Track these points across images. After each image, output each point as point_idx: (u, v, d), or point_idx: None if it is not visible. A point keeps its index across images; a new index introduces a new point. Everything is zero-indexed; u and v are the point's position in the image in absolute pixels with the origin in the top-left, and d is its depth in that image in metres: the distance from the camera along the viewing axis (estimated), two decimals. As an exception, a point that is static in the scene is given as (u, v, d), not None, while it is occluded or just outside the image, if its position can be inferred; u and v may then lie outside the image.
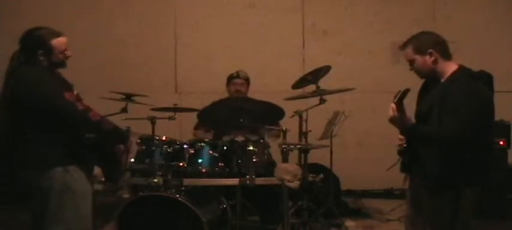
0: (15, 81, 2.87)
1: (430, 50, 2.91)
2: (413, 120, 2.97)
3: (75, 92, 3.00)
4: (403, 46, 3.01)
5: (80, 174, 2.92)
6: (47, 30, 2.97)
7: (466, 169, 2.82)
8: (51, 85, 2.86)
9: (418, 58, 2.93)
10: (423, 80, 3.11)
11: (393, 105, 2.84)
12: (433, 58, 2.91)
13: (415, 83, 3.08)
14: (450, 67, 2.92)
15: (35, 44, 2.92)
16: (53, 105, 2.83)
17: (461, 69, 2.92)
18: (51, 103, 2.83)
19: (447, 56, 2.94)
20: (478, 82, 2.84)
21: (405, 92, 2.81)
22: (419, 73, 2.99)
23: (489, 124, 2.92)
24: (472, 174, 2.84)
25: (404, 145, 3.02)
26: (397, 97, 2.83)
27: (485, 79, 2.90)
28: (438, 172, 2.85)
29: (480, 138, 2.84)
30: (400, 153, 3.06)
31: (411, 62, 2.97)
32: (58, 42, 2.96)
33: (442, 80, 2.92)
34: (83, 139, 2.99)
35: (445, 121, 2.78)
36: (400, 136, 3.07)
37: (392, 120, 2.89)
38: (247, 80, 5.02)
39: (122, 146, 3.12)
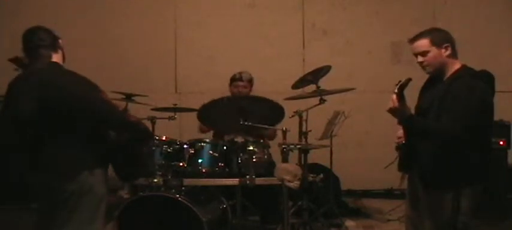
0: (47, 83, 2.77)
1: (447, 44, 2.92)
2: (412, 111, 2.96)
3: None
4: (417, 38, 2.99)
5: (102, 177, 2.87)
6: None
7: (465, 168, 2.82)
8: (87, 86, 2.81)
9: (434, 50, 2.92)
10: (424, 79, 3.11)
11: (394, 96, 2.81)
12: (448, 52, 2.92)
13: (416, 82, 3.06)
14: (454, 66, 2.94)
15: (51, 35, 2.91)
16: (93, 108, 2.78)
17: (464, 68, 2.94)
18: (91, 105, 2.77)
19: (456, 54, 2.97)
20: (479, 82, 2.85)
21: (407, 81, 2.77)
22: (430, 66, 2.96)
23: (488, 123, 2.93)
24: (471, 173, 2.84)
25: (403, 142, 3.02)
26: (399, 86, 2.79)
27: (486, 79, 2.90)
28: (436, 170, 2.85)
29: (479, 137, 2.84)
30: (397, 149, 3.06)
31: (424, 53, 2.94)
32: None
33: (445, 78, 2.94)
34: (108, 141, 2.91)
35: (444, 118, 2.79)
36: (398, 134, 3.07)
37: (392, 110, 2.84)
38: (250, 81, 4.98)
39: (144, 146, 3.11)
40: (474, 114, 2.77)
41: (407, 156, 3.02)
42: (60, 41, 2.95)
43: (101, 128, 2.86)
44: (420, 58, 2.98)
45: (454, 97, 2.79)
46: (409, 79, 2.77)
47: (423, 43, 2.95)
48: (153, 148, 3.98)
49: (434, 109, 2.85)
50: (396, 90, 2.80)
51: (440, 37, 2.94)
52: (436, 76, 3.00)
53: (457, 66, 2.94)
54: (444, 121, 2.79)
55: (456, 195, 2.83)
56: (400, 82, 2.78)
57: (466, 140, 2.77)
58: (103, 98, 2.80)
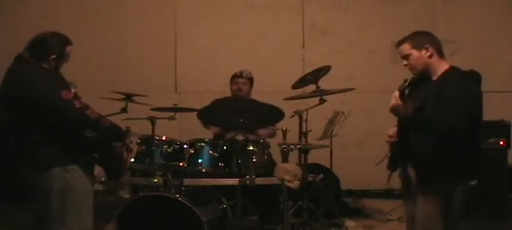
0: (14, 80, 2.87)
1: (427, 45, 3.01)
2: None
3: (73, 90, 2.98)
4: (399, 43, 3.11)
5: (79, 173, 2.91)
6: (63, 36, 3.06)
7: (457, 166, 2.90)
8: (49, 84, 2.87)
9: (414, 52, 3.03)
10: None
11: (397, 94, 2.94)
12: (429, 53, 3.00)
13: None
14: (442, 66, 3.02)
15: (49, 48, 2.97)
16: (49, 104, 2.83)
17: (453, 68, 3.02)
18: (47, 102, 2.83)
19: (442, 54, 3.05)
20: (471, 81, 2.94)
21: (409, 83, 2.91)
22: (414, 68, 3.06)
23: (479, 122, 2.98)
24: (463, 171, 2.92)
25: (395, 141, 3.10)
26: (404, 86, 2.92)
27: (476, 79, 2.99)
28: (430, 167, 2.92)
29: (471, 136, 2.91)
30: (391, 146, 3.14)
31: (406, 57, 3.06)
32: (70, 50, 3.06)
33: (434, 78, 3.01)
34: (83, 137, 2.98)
35: (442, 115, 2.84)
36: (389, 133, 3.15)
37: (394, 109, 2.95)
38: (249, 80, 5.03)
39: (119, 144, 3.13)
40: (468, 111, 2.84)
41: (399, 155, 3.10)
42: (54, 57, 2.99)
43: (69, 125, 2.89)
44: (404, 62, 3.10)
45: (448, 97, 2.86)
46: (408, 80, 2.92)
47: (404, 47, 3.07)
48: (153, 148, 3.98)
49: (428, 107, 2.91)
50: (399, 89, 2.93)
51: (420, 40, 3.04)
52: (423, 76, 3.06)
53: (445, 66, 3.02)
54: (443, 118, 2.84)
55: (448, 191, 2.91)
56: (403, 85, 2.95)
57: (460, 136, 2.84)
58: (62, 95, 2.82)
